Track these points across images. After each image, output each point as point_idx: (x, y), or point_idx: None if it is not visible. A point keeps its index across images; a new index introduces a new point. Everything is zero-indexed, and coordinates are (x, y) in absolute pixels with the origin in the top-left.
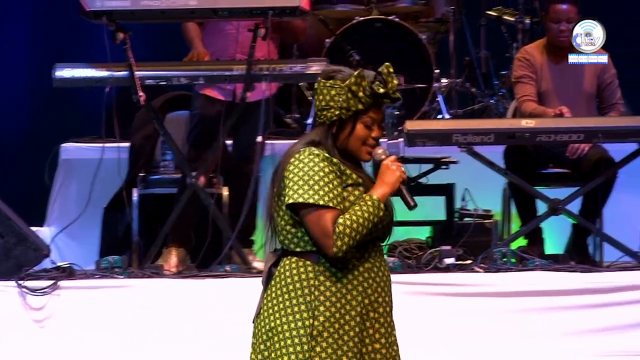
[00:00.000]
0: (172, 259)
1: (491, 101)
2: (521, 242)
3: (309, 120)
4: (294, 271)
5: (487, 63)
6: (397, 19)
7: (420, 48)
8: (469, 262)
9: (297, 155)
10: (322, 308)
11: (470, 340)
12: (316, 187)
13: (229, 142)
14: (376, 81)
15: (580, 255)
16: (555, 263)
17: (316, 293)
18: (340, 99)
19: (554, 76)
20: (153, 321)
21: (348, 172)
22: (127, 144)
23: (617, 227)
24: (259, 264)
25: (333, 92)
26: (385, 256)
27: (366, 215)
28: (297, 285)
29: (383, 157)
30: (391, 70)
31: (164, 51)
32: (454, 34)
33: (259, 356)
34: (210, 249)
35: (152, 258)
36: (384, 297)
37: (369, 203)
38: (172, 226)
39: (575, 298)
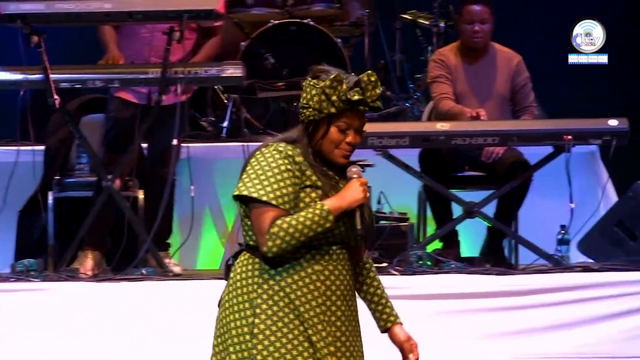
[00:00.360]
0: (88, 262)
1: (406, 104)
2: (437, 245)
3: (225, 123)
4: (244, 268)
5: (402, 66)
6: (312, 23)
7: (335, 51)
8: (384, 264)
9: (262, 149)
10: (264, 306)
11: (385, 343)
12: (265, 183)
13: (144, 145)
14: (355, 87)
15: (496, 258)
16: (470, 266)
17: (259, 291)
18: (315, 100)
19: (469, 78)
20: (69, 324)
21: (309, 172)
22: (42, 147)
23: (532, 230)
24: (175, 267)
25: (313, 92)
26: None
27: (308, 223)
28: (244, 282)
29: (354, 176)
30: (373, 78)
31: (80, 54)
32: (368, 37)
33: (215, 349)
34: (126, 252)
35: (67, 261)
36: (335, 303)
37: (317, 212)
38: (88, 229)
39: (491, 301)
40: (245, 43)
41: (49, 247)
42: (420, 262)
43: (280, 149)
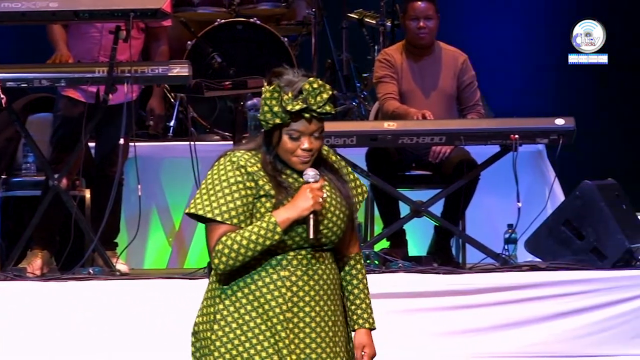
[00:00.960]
0: (36, 261)
1: (353, 103)
2: (384, 244)
3: (172, 123)
4: (214, 276)
5: (349, 65)
6: (258, 22)
7: (281, 50)
8: None
9: (219, 160)
10: (225, 312)
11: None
12: (213, 199)
13: (92, 144)
14: (299, 96)
15: (443, 257)
16: (418, 265)
17: (222, 296)
18: (261, 111)
19: (414, 76)
20: (15, 324)
21: (261, 182)
22: None
23: (480, 229)
24: (122, 267)
25: (261, 102)
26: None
27: (253, 237)
28: (212, 286)
29: (310, 180)
30: (316, 85)
31: (27, 54)
32: (315, 36)
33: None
34: (73, 252)
35: (14, 261)
36: (302, 309)
37: (263, 225)
38: (36, 229)
39: (439, 300)
40: (192, 42)
41: None
42: (368, 261)
43: (234, 159)
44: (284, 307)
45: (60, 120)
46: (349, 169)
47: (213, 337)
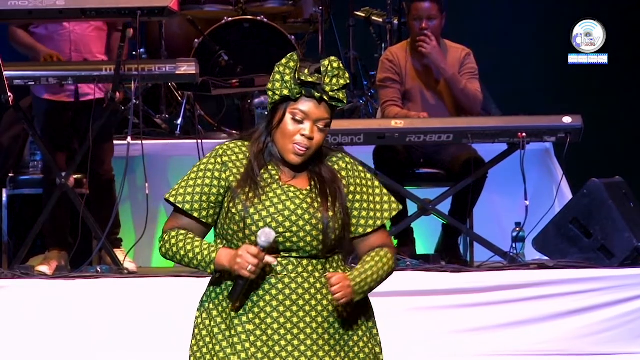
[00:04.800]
0: (54, 262)
1: (360, 102)
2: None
3: (179, 121)
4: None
5: (356, 63)
6: (265, 20)
7: (289, 48)
8: None
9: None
10: (215, 313)
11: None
12: (182, 184)
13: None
14: (314, 71)
15: (451, 255)
16: (426, 263)
17: (211, 295)
18: (271, 80)
19: (419, 74)
20: (23, 322)
21: (228, 173)
22: None
23: (487, 227)
24: (130, 265)
25: (274, 76)
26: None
27: (190, 255)
28: (208, 285)
29: (259, 241)
30: (336, 65)
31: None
32: (322, 34)
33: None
34: (79, 250)
35: (22, 259)
36: (284, 314)
37: (204, 254)
38: (49, 229)
39: (446, 298)
40: (199, 40)
41: (3, 245)
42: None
43: (219, 149)
44: (262, 316)
45: (42, 122)
46: (377, 183)
47: (196, 331)
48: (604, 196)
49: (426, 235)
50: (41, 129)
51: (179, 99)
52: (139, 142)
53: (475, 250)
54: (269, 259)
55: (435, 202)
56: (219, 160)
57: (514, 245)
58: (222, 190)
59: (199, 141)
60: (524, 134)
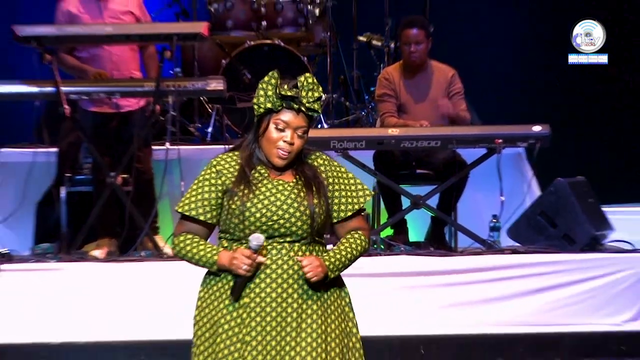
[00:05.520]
0: (104, 248)
1: (362, 113)
2: (388, 231)
3: (209, 129)
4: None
5: (359, 81)
6: (282, 44)
7: (301, 68)
8: None
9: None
10: (215, 288)
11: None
12: (187, 195)
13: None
14: (292, 86)
15: (438, 242)
16: (417, 249)
17: (209, 283)
18: (256, 95)
19: (410, 89)
20: (79, 299)
21: (223, 179)
22: (55, 149)
23: (469, 219)
24: (168, 250)
25: (258, 92)
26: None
27: (197, 257)
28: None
29: (251, 245)
30: (310, 80)
31: None
32: (330, 56)
33: None
34: (126, 238)
35: (78, 245)
36: (276, 288)
37: (208, 255)
38: (102, 221)
39: (434, 278)
40: (226, 61)
41: (62, 234)
42: (375, 246)
43: (213, 161)
44: (251, 295)
45: (89, 130)
46: (351, 175)
47: (199, 302)
48: (567, 193)
49: (417, 226)
50: (89, 136)
51: (209, 110)
52: (176, 147)
53: (459, 238)
54: (260, 259)
55: (425, 197)
56: (213, 170)
57: (491, 234)
58: (219, 194)
59: (226, 146)
60: (500, 140)
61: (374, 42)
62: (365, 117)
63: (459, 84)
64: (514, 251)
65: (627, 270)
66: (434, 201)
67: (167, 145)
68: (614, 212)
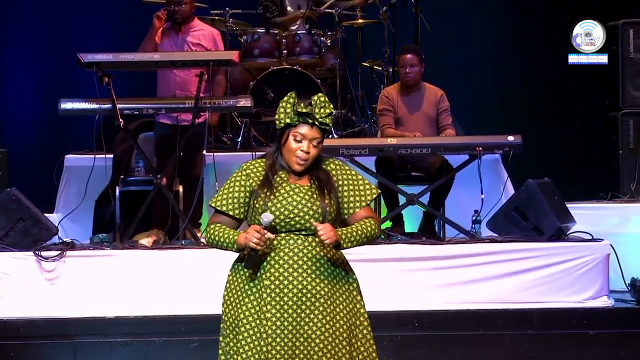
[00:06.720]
0: (153, 237)
1: (366, 125)
2: (387, 224)
3: (239, 139)
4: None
5: (363, 98)
6: (299, 68)
7: (316, 88)
8: None
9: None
10: (242, 272)
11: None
12: (219, 192)
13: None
14: (307, 104)
15: (429, 233)
16: (411, 238)
17: (236, 268)
18: (277, 112)
19: (406, 106)
20: (131, 280)
21: (250, 181)
22: (111, 156)
23: (455, 214)
24: (204, 240)
25: (279, 109)
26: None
27: (222, 240)
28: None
29: (262, 222)
30: (322, 99)
31: (136, 88)
32: (339, 78)
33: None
34: (171, 229)
35: (129, 235)
36: (292, 273)
37: (230, 238)
38: (154, 214)
39: (426, 263)
40: (253, 82)
41: (117, 226)
42: None
43: (244, 165)
44: (268, 283)
45: (157, 138)
46: (360, 176)
47: (227, 284)
48: (536, 192)
49: (412, 219)
50: (156, 143)
51: (239, 123)
52: (211, 154)
53: (447, 229)
54: (269, 235)
55: (418, 195)
56: (243, 173)
57: (473, 226)
58: (247, 193)
59: (253, 153)
60: (480, 148)
61: (376, 67)
62: (369, 129)
63: (447, 102)
64: (493, 240)
65: (587, 256)
66: (425, 198)
67: (204, 152)
68: (575, 208)
